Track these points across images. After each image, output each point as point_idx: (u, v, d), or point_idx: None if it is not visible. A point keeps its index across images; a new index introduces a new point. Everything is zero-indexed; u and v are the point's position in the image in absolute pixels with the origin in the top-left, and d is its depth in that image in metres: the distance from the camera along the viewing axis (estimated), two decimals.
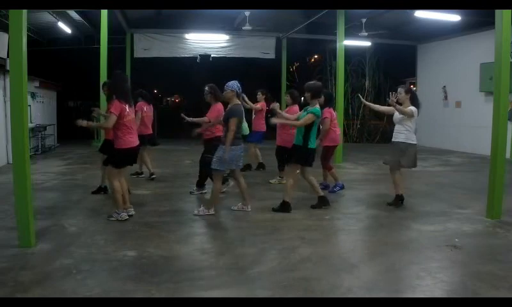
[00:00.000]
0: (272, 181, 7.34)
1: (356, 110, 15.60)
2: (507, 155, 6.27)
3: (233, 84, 5.18)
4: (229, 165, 5.09)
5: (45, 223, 4.64)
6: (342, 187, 6.56)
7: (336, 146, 6.85)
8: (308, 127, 5.16)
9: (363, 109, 15.56)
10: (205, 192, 6.30)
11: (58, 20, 10.87)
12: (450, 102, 12.92)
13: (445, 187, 7.17)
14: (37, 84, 11.20)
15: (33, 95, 11.03)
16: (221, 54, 13.84)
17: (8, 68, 8.07)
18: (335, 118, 6.63)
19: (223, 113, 5.63)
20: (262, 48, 13.96)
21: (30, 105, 9.98)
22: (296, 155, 5.29)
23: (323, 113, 6.10)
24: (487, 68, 10.32)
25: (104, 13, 8.50)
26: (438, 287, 3.21)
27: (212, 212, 5.18)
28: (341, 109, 10.16)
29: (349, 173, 8.52)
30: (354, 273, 3.47)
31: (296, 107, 6.93)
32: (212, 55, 13.74)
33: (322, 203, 5.52)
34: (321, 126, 6.15)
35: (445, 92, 13.03)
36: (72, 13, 10.84)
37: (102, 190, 6.22)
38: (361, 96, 6.92)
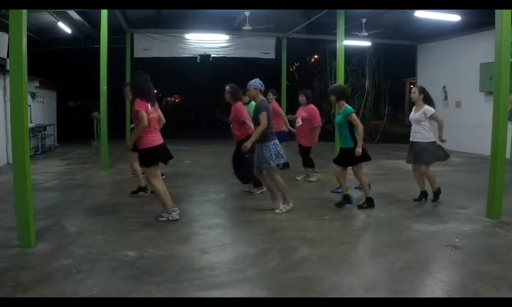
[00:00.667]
0: (298, 178, 7.51)
1: (356, 110, 15.59)
2: (507, 155, 6.27)
3: (256, 82, 5.27)
4: (277, 159, 5.15)
5: (45, 223, 4.64)
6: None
7: None
8: (351, 126, 5.38)
9: (363, 109, 15.55)
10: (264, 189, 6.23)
11: (58, 20, 10.85)
12: (450, 102, 12.91)
13: (445, 187, 7.14)
14: (37, 84, 11.21)
15: (33, 95, 11.04)
16: (221, 54, 13.83)
17: (8, 68, 8.07)
18: None
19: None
20: (262, 48, 13.95)
21: (30, 105, 9.98)
22: (354, 157, 5.39)
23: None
24: (487, 68, 10.32)
25: (104, 13, 8.49)
26: (438, 287, 3.21)
27: (291, 205, 5.29)
28: None
29: (349, 173, 8.50)
30: (354, 273, 3.47)
31: (312, 106, 7.24)
32: (212, 55, 13.73)
33: (370, 204, 5.57)
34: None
35: (445, 92, 13.01)
36: (72, 13, 10.83)
37: (141, 189, 6.13)
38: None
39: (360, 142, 5.37)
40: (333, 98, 5.56)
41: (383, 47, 14.85)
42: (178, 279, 3.30)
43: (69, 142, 13.41)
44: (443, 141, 5.66)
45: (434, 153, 5.65)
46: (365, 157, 5.50)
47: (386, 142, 14.45)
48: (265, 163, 5.12)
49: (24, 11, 3.82)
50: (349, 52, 12.50)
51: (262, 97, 5.29)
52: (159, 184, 4.80)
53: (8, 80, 8.36)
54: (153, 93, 4.97)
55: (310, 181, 7.40)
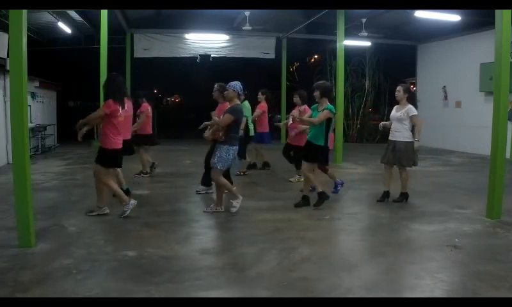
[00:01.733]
0: (292, 179, 7.43)
1: (356, 110, 15.60)
2: (507, 155, 6.27)
3: (236, 85, 5.22)
4: (228, 164, 5.12)
5: (45, 223, 4.64)
6: (342, 184, 6.61)
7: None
8: (328, 125, 5.32)
9: (363, 109, 15.55)
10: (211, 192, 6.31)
11: (58, 20, 10.86)
12: (450, 102, 12.92)
13: (445, 187, 7.17)
14: (37, 84, 11.20)
15: (33, 95, 11.03)
16: (221, 54, 13.84)
17: (8, 68, 8.07)
18: None
19: None
20: (262, 48, 13.96)
21: (30, 105, 9.97)
22: (318, 154, 5.41)
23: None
24: (487, 68, 10.32)
25: (104, 13, 8.50)
26: (438, 287, 3.21)
27: (240, 198, 5.27)
28: (341, 109, 10.16)
29: (349, 173, 8.51)
30: (354, 273, 3.47)
31: (307, 107, 7.09)
32: (212, 55, 13.74)
33: (324, 198, 5.52)
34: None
35: (445, 92, 13.02)
36: (72, 13, 10.83)
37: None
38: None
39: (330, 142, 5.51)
40: (317, 93, 5.47)
41: (383, 47, 14.85)
42: (178, 279, 3.30)
43: (69, 142, 13.39)
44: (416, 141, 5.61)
45: (410, 157, 5.64)
46: (326, 160, 5.60)
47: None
48: (219, 164, 5.04)
49: (24, 11, 3.82)
50: (349, 52, 12.51)
51: (237, 101, 5.21)
52: (109, 180, 4.96)
53: (7, 80, 8.36)
54: (124, 96, 5.09)
55: (290, 181, 7.33)
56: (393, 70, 16.30)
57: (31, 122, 9.96)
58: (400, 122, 5.60)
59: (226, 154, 5.02)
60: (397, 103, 5.79)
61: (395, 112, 5.71)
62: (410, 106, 5.57)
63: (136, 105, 7.33)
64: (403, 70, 17.61)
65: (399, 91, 5.68)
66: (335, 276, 3.40)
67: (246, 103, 7.12)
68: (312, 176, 5.51)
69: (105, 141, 4.82)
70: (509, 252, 3.94)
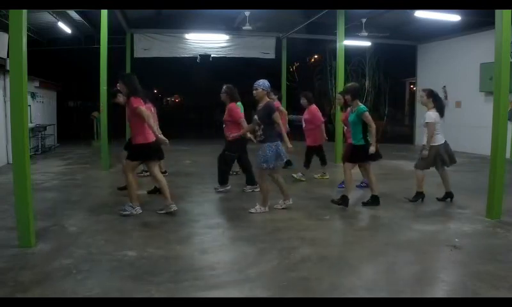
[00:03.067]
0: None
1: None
2: (507, 155, 6.27)
3: (264, 83, 5.24)
4: (276, 161, 5.18)
5: (45, 223, 4.64)
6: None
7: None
8: (365, 125, 5.47)
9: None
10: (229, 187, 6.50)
11: (58, 20, 10.86)
12: (450, 102, 12.90)
13: None
14: (37, 84, 11.20)
15: (33, 95, 11.04)
16: (221, 54, 13.83)
17: (8, 68, 8.07)
18: None
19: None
20: (262, 48, 13.95)
21: (30, 105, 9.98)
22: (363, 154, 5.53)
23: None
24: (487, 68, 10.32)
25: (104, 13, 8.49)
26: (438, 287, 3.22)
27: (266, 209, 5.30)
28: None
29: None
30: (354, 273, 3.47)
31: (313, 107, 7.37)
32: (212, 55, 13.73)
33: (375, 202, 5.63)
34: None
35: (445, 92, 13.01)
36: (72, 13, 10.83)
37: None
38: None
39: (374, 141, 5.50)
40: (348, 97, 5.63)
41: (383, 47, 14.84)
42: (178, 279, 3.30)
43: (69, 142, 13.41)
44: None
45: (429, 159, 5.75)
46: (375, 156, 5.67)
47: (386, 142, 14.43)
48: (265, 163, 5.11)
49: (24, 11, 3.82)
50: (349, 52, 12.50)
51: (267, 98, 5.28)
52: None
53: (7, 80, 8.36)
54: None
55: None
56: (393, 70, 16.31)
57: (31, 122, 9.97)
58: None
59: (269, 151, 5.07)
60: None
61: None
62: (430, 115, 5.64)
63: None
64: (403, 70, 17.62)
65: (422, 96, 5.77)
66: (335, 276, 3.40)
67: (239, 103, 7.17)
68: (372, 177, 5.70)
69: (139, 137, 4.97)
70: (509, 252, 3.94)
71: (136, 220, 4.88)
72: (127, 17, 11.92)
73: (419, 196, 5.86)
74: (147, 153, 5.06)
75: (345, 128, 6.82)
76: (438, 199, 5.92)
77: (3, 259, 3.59)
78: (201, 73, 22.02)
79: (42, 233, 4.25)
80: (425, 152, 5.67)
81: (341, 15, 9.57)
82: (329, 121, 13.55)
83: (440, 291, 3.16)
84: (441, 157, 5.77)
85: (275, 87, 8.47)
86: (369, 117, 5.46)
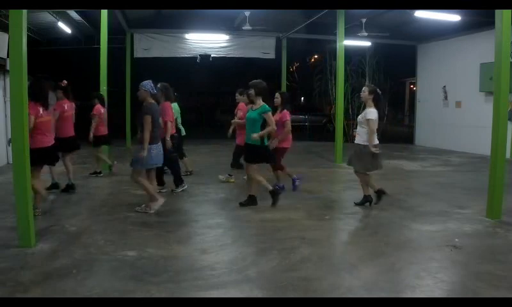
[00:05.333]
0: (221, 177, 7.32)
1: (356, 110, 15.59)
2: (507, 155, 6.27)
3: (147, 84, 5.17)
4: (148, 164, 5.08)
5: (45, 223, 4.64)
6: (298, 180, 6.61)
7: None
8: (263, 126, 5.28)
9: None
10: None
11: (58, 20, 10.85)
12: (450, 102, 12.91)
13: (445, 187, 7.17)
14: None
15: None
16: (221, 54, 13.83)
17: (8, 68, 8.07)
18: None
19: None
20: (262, 48, 13.95)
21: None
22: (257, 155, 5.36)
23: (284, 114, 6.22)
24: (487, 68, 10.32)
25: (104, 13, 8.49)
26: (438, 287, 3.22)
27: (152, 210, 5.15)
28: (341, 109, 10.16)
29: (349, 173, 8.49)
30: (354, 273, 3.47)
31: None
32: (212, 55, 13.73)
33: (252, 202, 5.51)
34: (285, 128, 6.15)
35: (445, 92, 13.02)
36: (72, 13, 10.83)
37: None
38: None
39: (273, 142, 5.57)
40: (251, 92, 5.40)
41: (383, 47, 14.84)
42: (178, 279, 3.30)
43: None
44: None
45: (367, 161, 5.44)
46: (267, 158, 5.51)
47: (386, 142, 14.44)
48: (138, 164, 5.03)
49: (24, 11, 3.82)
50: (349, 52, 12.51)
51: (151, 99, 5.15)
52: (38, 183, 4.94)
53: (8, 80, 8.35)
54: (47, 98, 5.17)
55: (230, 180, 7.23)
56: (393, 70, 16.30)
57: None
58: (361, 125, 5.44)
59: (147, 153, 4.98)
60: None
61: (360, 115, 5.54)
62: (370, 115, 5.29)
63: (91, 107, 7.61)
64: (403, 70, 17.63)
65: (364, 91, 5.48)
66: (335, 276, 3.40)
67: (176, 105, 7.16)
68: (257, 177, 5.44)
69: (30, 142, 4.78)
70: (509, 252, 3.94)
71: (136, 220, 4.88)
72: (127, 17, 11.91)
73: (366, 199, 5.59)
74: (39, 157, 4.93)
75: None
76: (356, 204, 5.64)
77: (3, 260, 3.59)
78: (201, 73, 22.04)
79: (42, 233, 4.25)
80: (371, 150, 5.26)
81: (341, 15, 9.57)
82: (329, 121, 13.57)
83: (439, 291, 3.16)
84: (375, 157, 5.36)
85: (275, 87, 8.47)
86: (272, 118, 5.32)
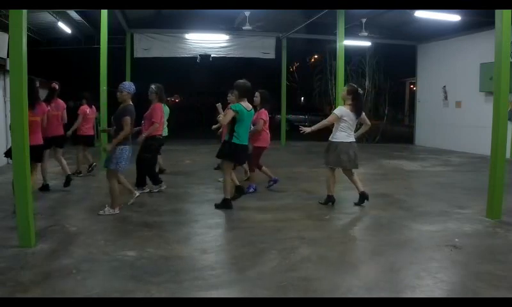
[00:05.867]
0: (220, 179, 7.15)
1: None
2: (507, 155, 6.27)
3: (130, 86, 5.19)
4: (120, 165, 5.05)
5: (45, 223, 4.64)
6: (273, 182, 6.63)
7: (267, 147, 6.66)
8: (232, 123, 5.25)
9: (363, 109, 15.51)
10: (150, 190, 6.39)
11: (58, 20, 10.86)
12: (450, 102, 12.92)
13: (445, 187, 7.17)
14: (37, 84, 11.18)
15: None
16: (221, 54, 13.84)
17: (8, 68, 8.07)
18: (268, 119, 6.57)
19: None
20: (262, 48, 13.95)
21: None
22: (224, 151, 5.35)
23: (261, 113, 6.31)
24: (487, 68, 10.32)
25: (104, 13, 8.49)
26: (438, 287, 3.21)
27: (117, 211, 5.11)
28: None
29: None
30: (354, 273, 3.47)
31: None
32: (212, 55, 13.74)
33: (227, 205, 5.40)
34: (253, 127, 6.07)
35: (445, 92, 13.02)
36: (72, 13, 10.83)
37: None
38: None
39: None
40: (236, 93, 5.46)
41: (383, 47, 14.85)
42: (178, 279, 3.30)
43: (69, 142, 13.37)
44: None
45: (336, 156, 5.53)
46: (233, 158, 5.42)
47: (386, 142, 14.45)
48: (113, 165, 5.02)
49: (24, 11, 3.82)
50: (349, 52, 12.50)
51: (130, 101, 5.16)
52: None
53: (8, 80, 8.35)
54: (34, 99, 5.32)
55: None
56: (393, 70, 16.29)
57: None
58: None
59: (123, 154, 5.02)
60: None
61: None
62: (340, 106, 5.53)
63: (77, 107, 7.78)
64: (403, 70, 17.63)
65: (343, 90, 5.62)
66: (335, 276, 3.40)
67: (166, 107, 7.20)
68: (229, 179, 5.46)
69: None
70: (509, 252, 3.94)
71: (136, 220, 4.88)
72: (127, 17, 11.92)
73: (329, 199, 5.62)
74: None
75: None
76: (320, 203, 5.68)
77: (3, 259, 3.58)
78: (201, 73, 22.05)
79: (42, 233, 4.24)
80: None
81: (341, 15, 9.56)
82: None
83: (439, 291, 3.16)
84: (337, 155, 5.42)
85: (275, 87, 8.45)
86: (227, 114, 5.32)
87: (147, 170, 6.35)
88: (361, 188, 5.62)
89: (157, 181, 6.46)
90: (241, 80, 5.48)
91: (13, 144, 3.93)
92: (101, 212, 5.07)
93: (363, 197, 5.61)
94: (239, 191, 5.71)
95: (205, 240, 4.31)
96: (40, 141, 5.33)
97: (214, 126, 7.45)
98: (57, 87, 6.79)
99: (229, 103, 7.23)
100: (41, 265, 3.51)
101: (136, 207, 5.28)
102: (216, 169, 8.02)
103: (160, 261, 3.65)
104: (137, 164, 6.26)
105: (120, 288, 3.13)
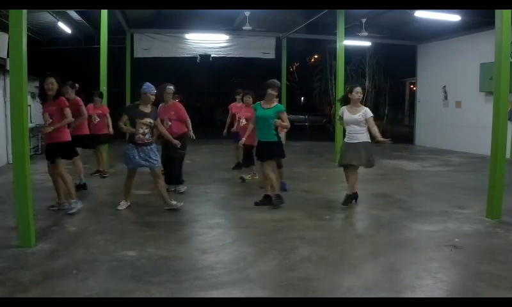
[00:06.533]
0: (247, 177, 7.35)
1: None
2: (507, 155, 6.27)
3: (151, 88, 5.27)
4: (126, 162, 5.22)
5: (45, 223, 4.64)
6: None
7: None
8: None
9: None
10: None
11: (58, 20, 10.86)
12: (450, 102, 12.91)
13: (445, 187, 7.17)
14: (37, 84, 11.18)
15: (33, 95, 11.02)
16: (221, 54, 13.83)
17: (8, 68, 8.07)
18: None
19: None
20: (262, 48, 13.95)
21: (30, 105, 9.97)
22: (275, 151, 5.46)
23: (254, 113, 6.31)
24: (487, 68, 10.31)
25: (104, 13, 8.49)
26: (438, 287, 3.22)
27: (128, 202, 5.36)
28: (340, 110, 10.15)
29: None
30: (354, 273, 3.47)
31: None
32: (212, 55, 13.73)
33: (267, 202, 5.51)
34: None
35: (445, 92, 13.01)
36: (72, 13, 10.83)
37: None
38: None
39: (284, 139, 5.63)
40: (274, 91, 5.48)
41: (383, 47, 14.84)
42: (178, 279, 3.30)
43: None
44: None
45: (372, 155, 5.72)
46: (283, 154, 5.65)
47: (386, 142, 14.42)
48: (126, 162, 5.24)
49: (24, 11, 3.82)
50: (349, 52, 12.50)
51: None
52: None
53: (8, 80, 8.36)
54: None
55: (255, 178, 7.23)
56: (393, 70, 16.30)
57: (31, 122, 9.96)
58: (359, 124, 5.65)
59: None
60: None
61: (350, 116, 5.65)
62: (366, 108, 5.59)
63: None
64: (403, 70, 17.62)
65: (358, 91, 5.67)
66: (335, 276, 3.40)
67: None
68: (272, 174, 5.50)
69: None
70: (509, 252, 3.94)
71: (136, 220, 4.88)
72: (127, 17, 11.92)
73: (349, 198, 5.60)
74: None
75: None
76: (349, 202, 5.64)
77: (3, 259, 3.59)
78: (201, 73, 22.04)
79: (42, 233, 4.24)
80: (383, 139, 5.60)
81: (341, 15, 9.57)
82: (329, 121, 13.57)
83: (439, 291, 3.16)
84: (370, 154, 5.66)
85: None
86: (287, 117, 5.57)
87: (180, 167, 6.44)
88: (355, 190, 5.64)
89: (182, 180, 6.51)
90: (276, 80, 5.68)
91: (12, 144, 3.93)
92: (119, 208, 5.28)
93: (352, 197, 5.62)
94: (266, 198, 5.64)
95: (205, 240, 4.31)
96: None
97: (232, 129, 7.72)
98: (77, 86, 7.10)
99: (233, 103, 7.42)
100: (41, 265, 3.51)
101: (136, 207, 5.28)
102: (233, 169, 8.12)
103: (160, 261, 3.65)
104: (169, 163, 6.24)
105: (120, 288, 3.13)
